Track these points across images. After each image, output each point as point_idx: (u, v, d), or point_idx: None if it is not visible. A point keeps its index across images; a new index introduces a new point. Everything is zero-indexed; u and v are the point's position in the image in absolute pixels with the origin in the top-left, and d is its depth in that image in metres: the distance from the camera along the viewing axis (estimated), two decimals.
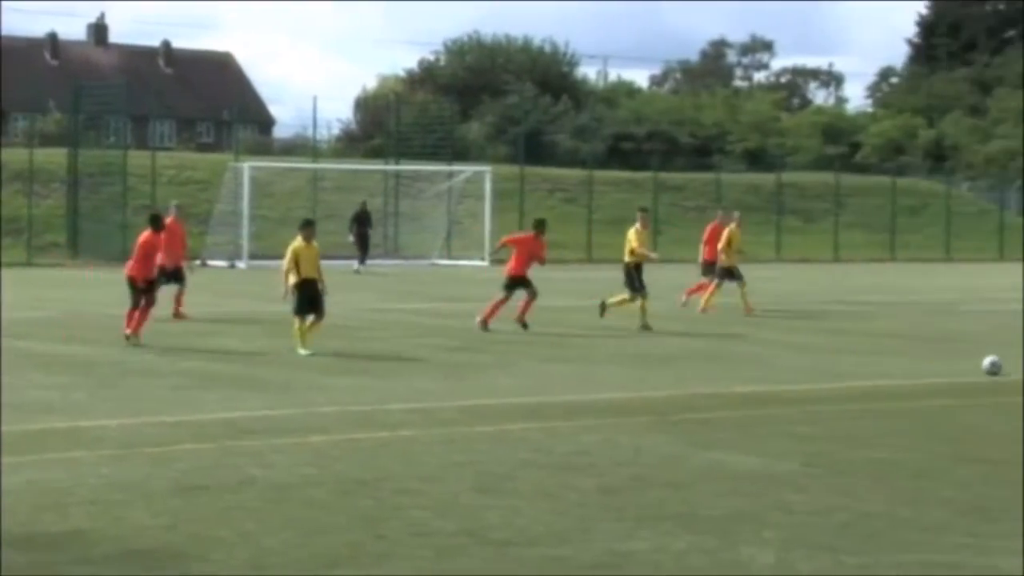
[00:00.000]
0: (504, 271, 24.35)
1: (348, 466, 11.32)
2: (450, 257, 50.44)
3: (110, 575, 8.11)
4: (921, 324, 26.47)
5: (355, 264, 41.34)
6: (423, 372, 17.74)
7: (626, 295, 24.74)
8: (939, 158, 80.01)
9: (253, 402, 14.84)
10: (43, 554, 8.50)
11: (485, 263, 48.19)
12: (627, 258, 25.10)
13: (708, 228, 29.82)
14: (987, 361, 18.73)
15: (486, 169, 52.01)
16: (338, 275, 41.08)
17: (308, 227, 20.53)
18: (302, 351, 19.27)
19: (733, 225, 28.43)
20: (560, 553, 8.67)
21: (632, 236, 25.22)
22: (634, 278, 24.71)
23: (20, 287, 33.22)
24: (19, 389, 15.54)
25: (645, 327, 23.67)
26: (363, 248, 42.80)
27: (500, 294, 23.67)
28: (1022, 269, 42.87)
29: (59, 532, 9.03)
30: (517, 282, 23.75)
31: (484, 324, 23.11)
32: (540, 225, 24.58)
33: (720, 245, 28.15)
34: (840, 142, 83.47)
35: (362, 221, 43.50)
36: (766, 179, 63.07)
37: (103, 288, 25.96)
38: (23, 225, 46.12)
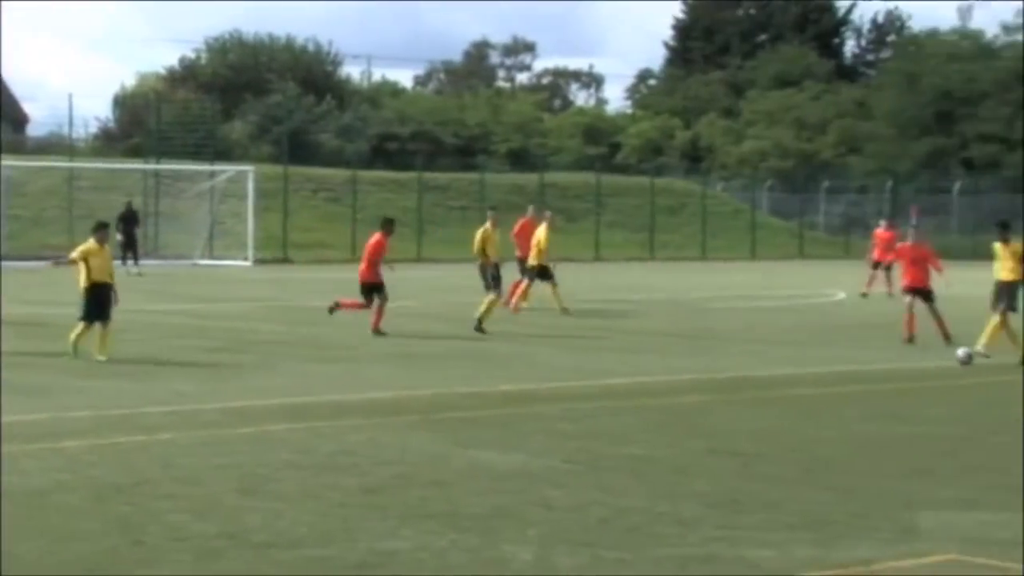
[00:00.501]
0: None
1: (104, 471, 11.09)
2: (212, 257, 49.79)
3: None
4: (678, 322, 27.10)
5: (120, 264, 40.37)
6: (183, 374, 17.48)
7: (491, 296, 24.36)
8: (695, 159, 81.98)
9: (5, 406, 14.40)
10: None
11: (248, 263, 47.72)
12: (481, 258, 25.26)
13: (517, 225, 29.64)
14: (962, 351, 19.54)
15: (249, 169, 51.50)
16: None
17: (102, 230, 19.47)
18: (99, 357, 18.58)
19: (544, 224, 28.39)
20: (323, 554, 8.65)
21: (480, 236, 25.40)
22: (490, 276, 24.67)
23: None
24: None
25: (479, 329, 23.25)
26: (132, 248, 41.93)
27: (360, 299, 23.18)
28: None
29: None
30: (371, 288, 23.13)
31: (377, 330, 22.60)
32: (389, 224, 23.75)
33: (533, 244, 28.01)
34: (600, 143, 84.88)
35: (128, 221, 42.62)
36: (529, 179, 63.76)
37: None
38: None
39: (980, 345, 20.07)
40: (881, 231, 36.91)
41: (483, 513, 9.83)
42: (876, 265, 35.21)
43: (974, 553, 8.79)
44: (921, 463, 12.04)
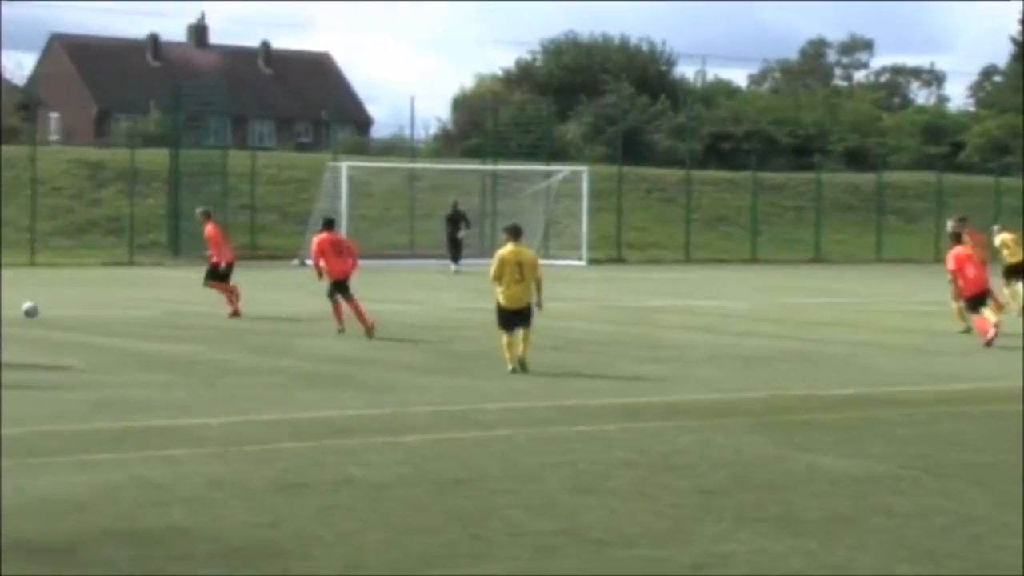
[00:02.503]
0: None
1: (444, 466, 11.33)
2: (547, 256, 50.42)
3: (211, 573, 8.18)
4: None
5: (450, 265, 41.49)
6: (521, 373, 17.63)
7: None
8: None
9: (350, 401, 14.92)
10: (144, 550, 8.60)
11: (583, 262, 48.18)
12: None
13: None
14: (26, 306, 21.68)
15: (583, 169, 51.94)
16: (432, 274, 41.23)
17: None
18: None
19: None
20: (657, 554, 8.62)
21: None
22: None
23: (122, 286, 33.71)
24: (121, 387, 15.77)
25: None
26: (455, 248, 42.96)
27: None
28: None
29: (160, 528, 9.13)
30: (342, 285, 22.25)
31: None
32: (329, 224, 23.24)
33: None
34: (941, 142, 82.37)
35: (454, 222, 43.70)
36: (866, 179, 62.49)
37: (203, 288, 26.22)
38: (125, 224, 46.83)
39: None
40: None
41: (820, 518, 9.64)
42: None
43: None
44: None
